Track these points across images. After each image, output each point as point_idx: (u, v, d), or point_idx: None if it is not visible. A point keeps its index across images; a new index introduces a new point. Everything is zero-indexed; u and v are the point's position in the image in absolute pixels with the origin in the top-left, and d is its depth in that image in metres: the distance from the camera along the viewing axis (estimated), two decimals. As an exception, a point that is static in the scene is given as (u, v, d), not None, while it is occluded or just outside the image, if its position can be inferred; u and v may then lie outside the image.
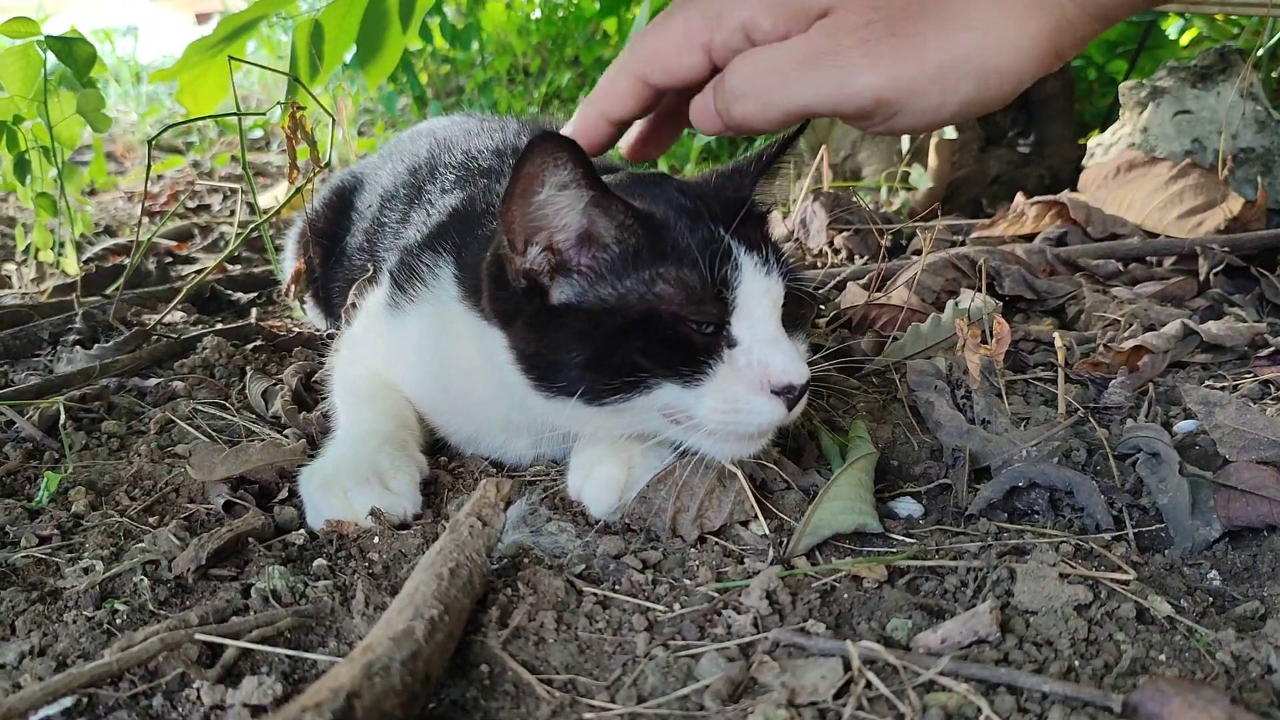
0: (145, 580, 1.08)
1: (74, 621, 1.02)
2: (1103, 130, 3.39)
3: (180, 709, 0.89)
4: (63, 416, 1.45)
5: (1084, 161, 2.83)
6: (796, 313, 1.25)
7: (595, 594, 1.07)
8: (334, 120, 2.06)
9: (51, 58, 2.20)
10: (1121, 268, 2.14)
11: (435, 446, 1.46)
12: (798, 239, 2.52)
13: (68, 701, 0.88)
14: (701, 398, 1.14)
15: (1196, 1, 2.17)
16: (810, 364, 1.22)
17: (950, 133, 2.81)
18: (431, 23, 4.76)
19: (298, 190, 1.95)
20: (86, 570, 1.12)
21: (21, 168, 2.29)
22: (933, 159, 2.97)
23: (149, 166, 1.88)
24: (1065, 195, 2.41)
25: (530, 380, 1.20)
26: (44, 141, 2.32)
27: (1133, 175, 2.43)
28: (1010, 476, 1.28)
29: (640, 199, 1.19)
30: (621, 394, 1.15)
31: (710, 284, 1.13)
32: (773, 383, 1.12)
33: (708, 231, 1.16)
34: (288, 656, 0.96)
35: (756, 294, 1.16)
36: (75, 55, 2.25)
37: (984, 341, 1.46)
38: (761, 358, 1.14)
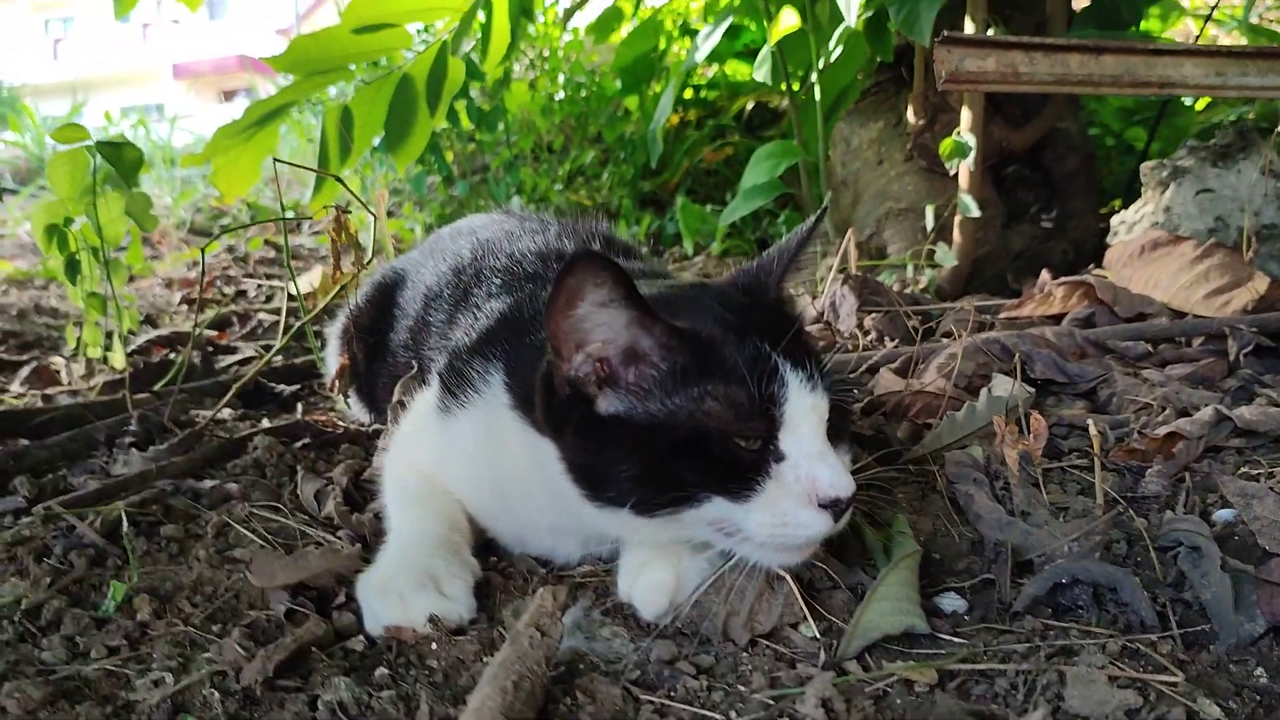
0: (215, 693, 1.11)
1: (148, 736, 1.05)
2: (1124, 202, 3.44)
3: (258, 828, 0.92)
4: (125, 524, 1.49)
5: (1108, 239, 2.87)
6: (840, 424, 1.29)
7: (652, 702, 1.10)
8: (375, 217, 2.12)
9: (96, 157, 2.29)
10: (1151, 349, 2.16)
11: (484, 545, 1.49)
12: (827, 321, 2.56)
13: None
14: (750, 512, 1.17)
15: (1216, 87, 2.22)
16: (854, 472, 1.25)
17: (974, 210, 2.86)
18: (458, 105, 4.89)
19: (341, 288, 2.01)
20: (157, 683, 1.16)
21: (73, 268, 2.36)
22: (957, 237, 3.01)
23: (202, 274, 1.94)
24: (1091, 275, 2.45)
25: (581, 490, 1.23)
26: (92, 241, 2.40)
27: (1158, 254, 2.46)
28: (1054, 573, 1.30)
29: (683, 315, 1.23)
30: (671, 508, 1.18)
31: (758, 401, 1.18)
32: (820, 497, 1.16)
33: (754, 348, 1.20)
34: (358, 772, 0.98)
35: (803, 410, 1.20)
36: (124, 159, 2.33)
37: (1021, 435, 1.49)
38: (809, 473, 1.17)
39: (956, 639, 1.23)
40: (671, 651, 1.18)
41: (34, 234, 2.36)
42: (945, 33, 2.20)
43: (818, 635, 1.22)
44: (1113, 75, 2.19)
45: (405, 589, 1.26)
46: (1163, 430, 1.70)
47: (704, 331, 1.22)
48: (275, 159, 2.16)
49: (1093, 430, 1.59)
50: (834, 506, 1.16)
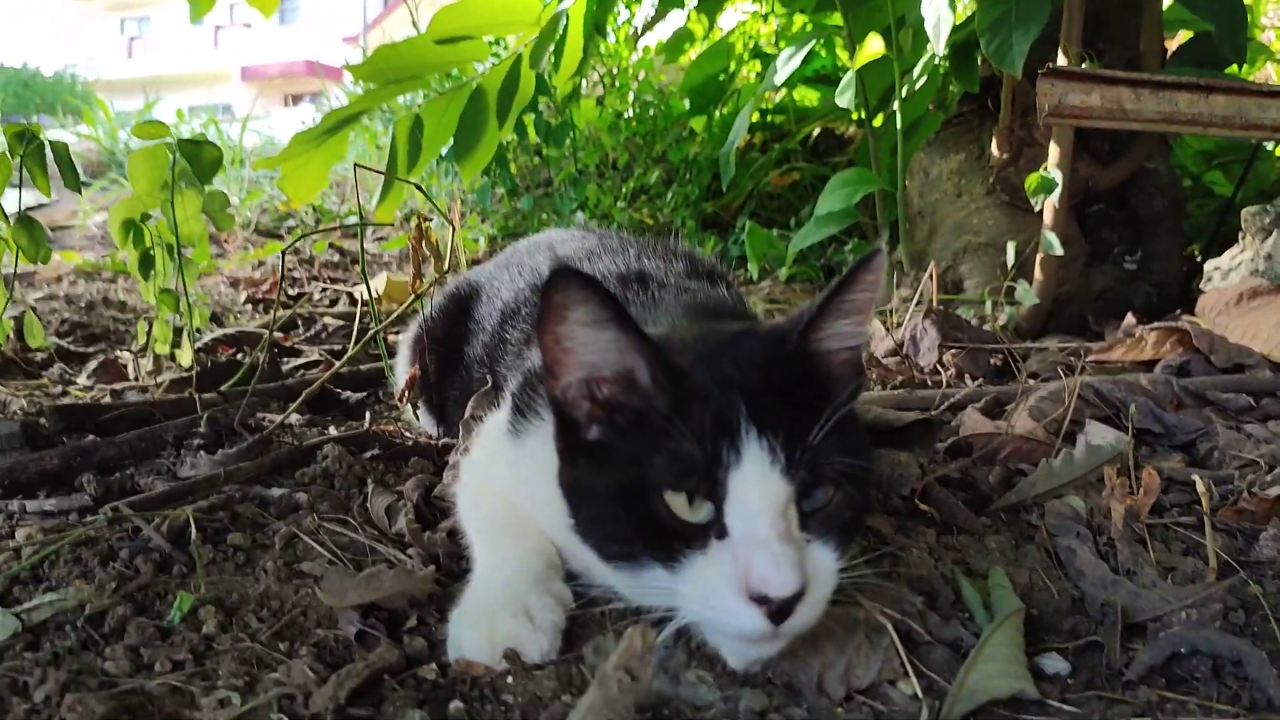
0: (284, 718, 1.06)
1: (215, 761, 1.00)
2: (1203, 246, 3.34)
3: None
4: (193, 531, 1.45)
5: (1200, 285, 2.77)
6: (836, 514, 1.13)
7: (744, 756, 1.03)
8: (454, 227, 2.09)
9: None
10: (1254, 403, 2.06)
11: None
12: (906, 355, 2.48)
13: None
14: (679, 584, 1.07)
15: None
16: (843, 572, 1.12)
17: (1057, 248, 2.77)
18: (526, 119, 4.88)
19: (418, 297, 1.97)
20: (223, 703, 1.11)
21: (147, 264, 2.36)
22: (1038, 274, 2.93)
23: (282, 274, 1.91)
24: (1187, 322, 2.36)
25: (569, 519, 1.19)
26: (167, 238, 2.39)
27: (1257, 304, 2.37)
28: (1171, 641, 1.21)
29: (686, 353, 1.16)
30: (620, 560, 1.13)
31: (701, 462, 1.06)
32: (749, 588, 1.02)
33: (726, 404, 1.08)
34: (435, 816, 0.93)
35: (752, 484, 1.06)
36: (202, 158, 2.33)
37: (1131, 490, 1.41)
38: (745, 557, 1.03)
39: (1066, 706, 1.15)
40: (762, 703, 1.11)
41: (110, 228, 2.36)
42: (1049, 65, 2.13)
43: (919, 694, 1.14)
44: (1223, 116, 2.10)
45: (500, 623, 1.20)
46: (1274, 491, 1.61)
47: (689, 372, 1.12)
48: (356, 163, 2.12)
49: (1200, 488, 1.52)
50: (764, 604, 1.01)
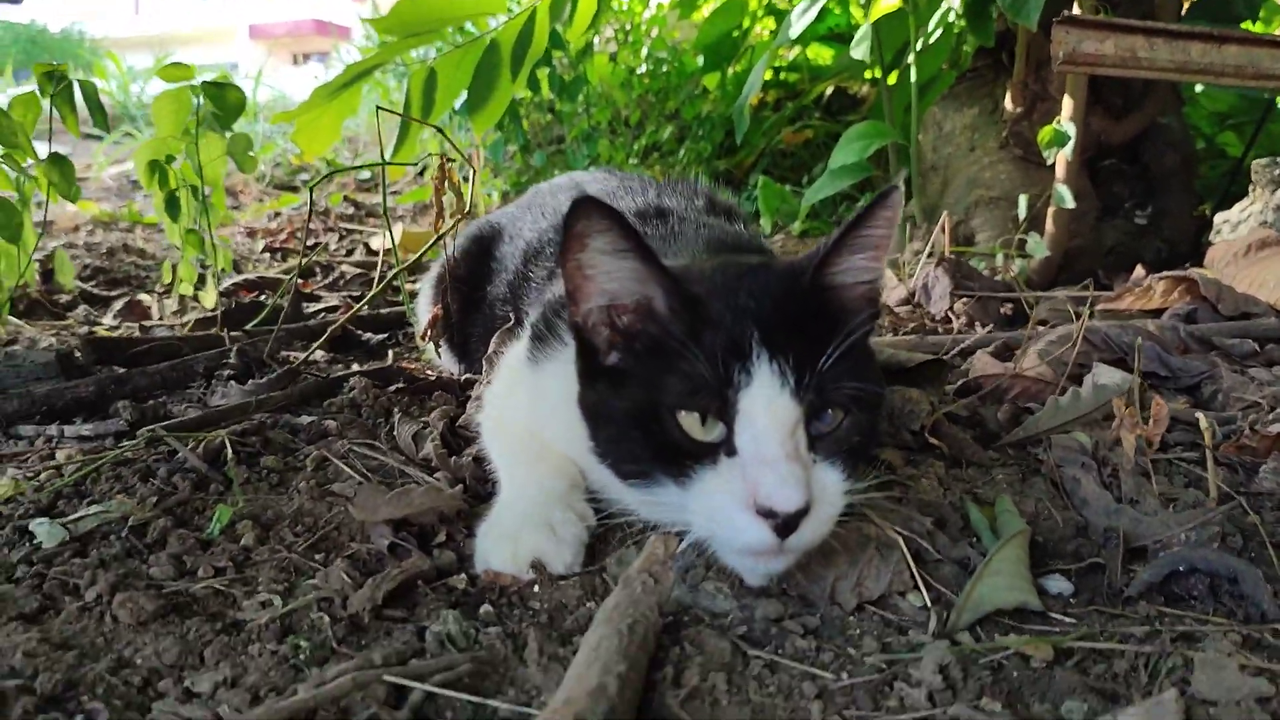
0: (325, 617, 1.12)
1: (260, 655, 1.06)
2: (1215, 205, 3.35)
3: (374, 748, 0.92)
4: (228, 450, 1.50)
5: (1210, 237, 2.79)
6: (844, 438, 1.17)
7: (761, 657, 1.08)
8: (473, 170, 2.12)
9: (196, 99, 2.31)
10: (1258, 348, 2.10)
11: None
12: (918, 303, 2.52)
13: (268, 734, 0.91)
14: (689, 500, 1.12)
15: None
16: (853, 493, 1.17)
17: (1069, 201, 2.79)
18: (540, 73, 4.89)
19: (441, 236, 2.01)
20: (264, 604, 1.17)
21: (173, 205, 2.40)
22: (1050, 227, 2.95)
23: (310, 208, 1.96)
24: (1194, 271, 2.38)
25: (588, 440, 1.24)
26: (191, 180, 2.43)
27: (1265, 254, 2.39)
28: (1171, 560, 1.26)
29: (703, 283, 1.19)
30: (636, 480, 1.17)
31: (712, 382, 1.11)
32: (755, 503, 1.06)
33: (738, 328, 1.13)
34: (470, 702, 0.98)
35: (763, 405, 1.10)
36: (226, 100, 2.36)
37: (1141, 421, 1.45)
38: (753, 474, 1.08)
39: (1068, 619, 1.20)
40: (778, 611, 1.16)
41: (135, 167, 2.39)
42: (1064, 13, 2.15)
43: (927, 604, 1.19)
44: (1235, 65, 2.13)
45: (525, 536, 1.26)
46: (1275, 428, 1.65)
47: (704, 300, 1.16)
48: (379, 106, 2.15)
49: (1203, 423, 1.55)
50: (770, 517, 1.06)
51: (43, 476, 1.49)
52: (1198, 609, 1.23)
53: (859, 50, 3.38)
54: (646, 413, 1.15)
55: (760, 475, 1.07)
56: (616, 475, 1.21)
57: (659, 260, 1.15)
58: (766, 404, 1.11)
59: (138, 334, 2.36)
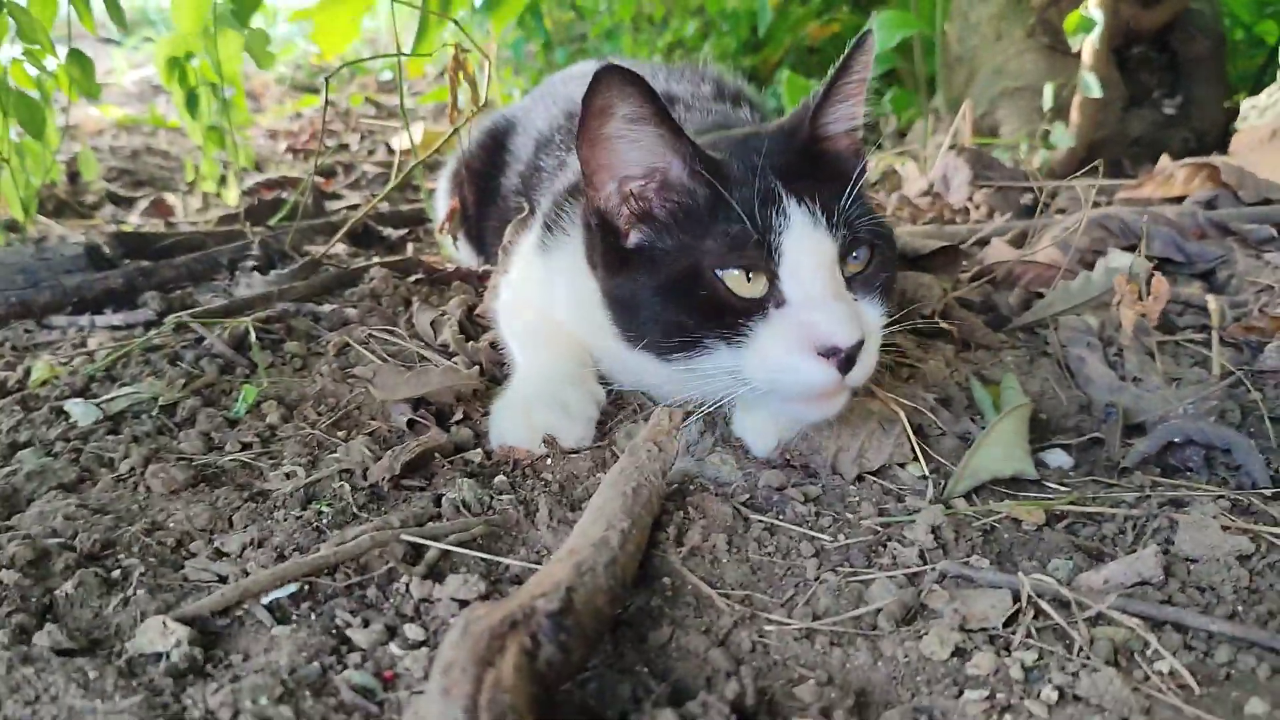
0: (346, 486, 1.17)
1: (284, 519, 1.12)
2: (1252, 93, 3.28)
3: (392, 600, 0.98)
4: (252, 336, 1.55)
5: (1236, 124, 2.75)
6: (875, 275, 1.21)
7: (762, 521, 1.13)
8: (488, 60, 2.12)
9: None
10: (1276, 233, 2.08)
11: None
12: (937, 193, 2.51)
13: (293, 587, 0.97)
14: (747, 357, 1.13)
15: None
16: (886, 327, 1.20)
17: (1095, 90, 2.75)
18: (563, -33, 4.81)
19: (457, 129, 2.02)
20: (289, 475, 1.22)
21: (193, 102, 2.41)
22: (1075, 117, 2.91)
23: (325, 100, 1.97)
24: (1216, 158, 2.36)
25: (614, 329, 1.25)
26: (210, 78, 2.44)
27: (1290, 139, 2.36)
28: (1167, 432, 1.29)
29: (715, 149, 1.20)
30: (682, 353, 1.17)
31: (753, 234, 1.12)
32: (816, 344, 1.09)
33: (763, 182, 1.15)
34: (483, 559, 1.04)
35: (805, 248, 1.13)
36: (242, -1, 2.35)
37: (1141, 298, 1.46)
38: (807, 318, 1.11)
39: (1063, 488, 1.24)
40: (780, 480, 1.21)
41: (155, 65, 2.41)
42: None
43: (926, 474, 1.23)
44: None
45: (538, 412, 1.30)
46: (1285, 310, 1.66)
47: (725, 162, 1.17)
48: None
49: (1212, 304, 1.56)
50: (833, 355, 1.09)
51: (76, 362, 1.54)
52: (1192, 480, 1.26)
53: (883, -63, 3.30)
54: (686, 282, 1.15)
55: (816, 316, 1.10)
56: (657, 355, 1.21)
57: (679, 126, 1.15)
58: (808, 244, 1.13)
59: (163, 229, 2.40)
